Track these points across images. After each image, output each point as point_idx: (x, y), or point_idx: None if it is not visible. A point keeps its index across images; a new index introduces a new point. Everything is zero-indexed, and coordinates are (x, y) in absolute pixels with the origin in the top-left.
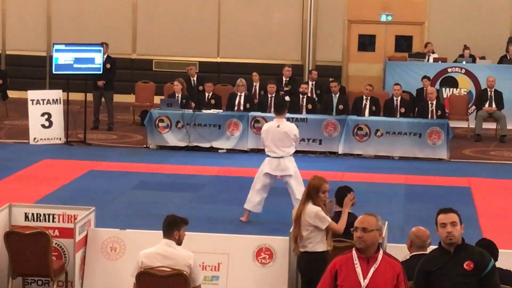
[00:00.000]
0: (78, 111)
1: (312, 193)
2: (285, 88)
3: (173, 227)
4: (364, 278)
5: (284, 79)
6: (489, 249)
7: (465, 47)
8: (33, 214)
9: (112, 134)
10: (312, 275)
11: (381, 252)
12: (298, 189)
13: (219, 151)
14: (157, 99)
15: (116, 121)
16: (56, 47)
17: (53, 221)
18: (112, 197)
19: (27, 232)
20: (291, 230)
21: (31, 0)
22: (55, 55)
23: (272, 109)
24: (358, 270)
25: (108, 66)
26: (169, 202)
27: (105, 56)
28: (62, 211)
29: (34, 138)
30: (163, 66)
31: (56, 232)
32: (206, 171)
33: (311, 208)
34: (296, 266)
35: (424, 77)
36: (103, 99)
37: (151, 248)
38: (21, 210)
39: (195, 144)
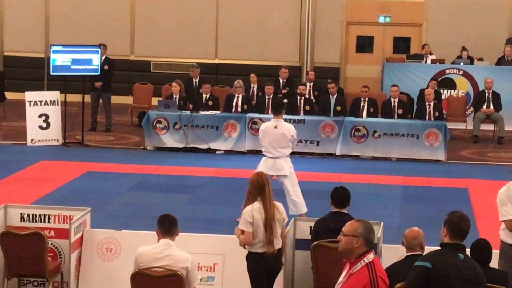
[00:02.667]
0: (76, 113)
1: (266, 188)
2: (283, 91)
3: (174, 226)
4: (341, 281)
5: (281, 80)
6: (483, 248)
7: (463, 49)
8: (28, 215)
9: (110, 135)
10: (276, 272)
11: (363, 261)
12: (293, 190)
13: (217, 152)
14: (155, 101)
15: (114, 123)
16: (54, 48)
17: (48, 221)
18: (109, 198)
19: (22, 232)
20: (286, 231)
21: (29, 1)
22: (52, 56)
23: (270, 109)
24: (344, 272)
25: (106, 67)
26: (166, 203)
27: (103, 58)
28: (57, 212)
29: (32, 140)
30: (161, 67)
31: (52, 233)
32: (204, 172)
33: (279, 204)
34: (255, 266)
35: (432, 79)
36: (101, 101)
37: (150, 246)
38: (17, 210)
39: (192, 145)
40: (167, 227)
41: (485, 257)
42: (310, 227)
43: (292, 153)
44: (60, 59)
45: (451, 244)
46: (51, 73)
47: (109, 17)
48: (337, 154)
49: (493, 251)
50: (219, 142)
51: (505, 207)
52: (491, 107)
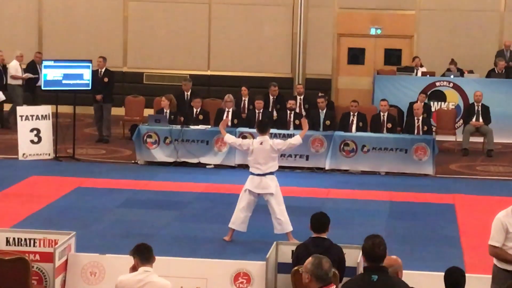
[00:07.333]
0: (68, 125)
1: None
2: (275, 115)
3: (152, 253)
4: None
5: (271, 98)
6: (452, 277)
7: (452, 62)
8: (14, 239)
9: (101, 148)
10: None
11: None
12: (278, 208)
13: (207, 166)
14: (147, 112)
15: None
16: (45, 63)
17: (34, 245)
18: (97, 215)
19: (6, 258)
20: (267, 255)
21: (21, 14)
22: (44, 71)
23: (255, 128)
24: None
25: (106, 80)
26: (153, 221)
27: (103, 70)
28: (42, 236)
29: (23, 154)
30: (154, 79)
31: (37, 257)
32: (193, 187)
33: None
34: None
35: (422, 92)
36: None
37: (130, 274)
38: (2, 234)
39: (183, 159)
40: (147, 255)
41: (455, 285)
42: (292, 251)
43: (282, 167)
44: (51, 74)
45: (365, 267)
46: (43, 88)
47: (102, 28)
48: (327, 168)
49: (478, 275)
50: (209, 157)
51: (496, 233)
52: (481, 120)
